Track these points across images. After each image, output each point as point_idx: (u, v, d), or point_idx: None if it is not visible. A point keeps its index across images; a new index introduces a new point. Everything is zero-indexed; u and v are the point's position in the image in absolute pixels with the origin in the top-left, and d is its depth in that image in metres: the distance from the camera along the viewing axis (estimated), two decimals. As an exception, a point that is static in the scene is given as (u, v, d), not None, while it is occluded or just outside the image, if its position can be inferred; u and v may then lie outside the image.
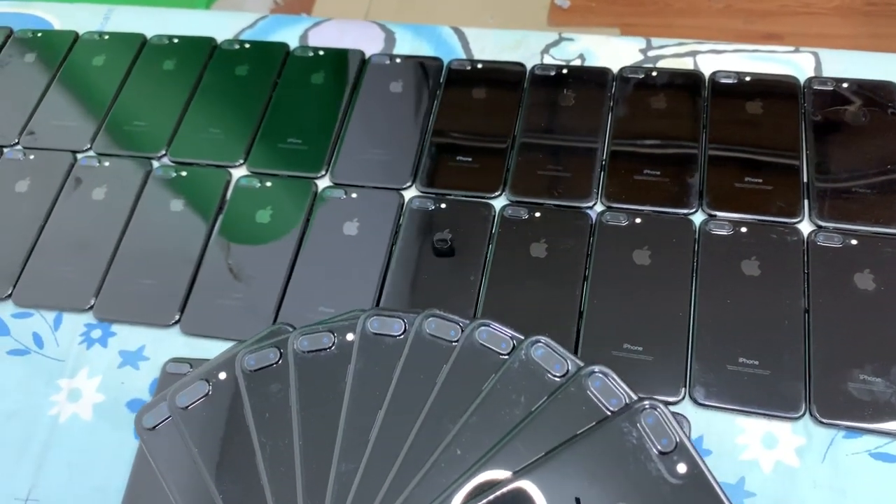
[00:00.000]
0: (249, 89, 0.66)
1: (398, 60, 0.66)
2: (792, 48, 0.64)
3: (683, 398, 0.49)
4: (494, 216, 0.57)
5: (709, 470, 0.40)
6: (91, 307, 0.57)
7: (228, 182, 0.62)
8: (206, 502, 0.43)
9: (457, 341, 0.46)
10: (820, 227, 0.54)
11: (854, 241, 0.53)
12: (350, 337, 0.47)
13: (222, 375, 0.47)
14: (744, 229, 0.54)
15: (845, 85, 0.60)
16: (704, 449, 0.48)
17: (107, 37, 0.70)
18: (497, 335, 0.46)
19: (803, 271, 0.52)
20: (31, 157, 0.64)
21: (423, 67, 0.66)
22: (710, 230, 0.54)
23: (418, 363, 0.45)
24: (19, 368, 0.55)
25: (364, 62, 0.67)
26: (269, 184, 0.61)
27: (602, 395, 0.43)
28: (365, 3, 1.66)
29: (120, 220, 0.60)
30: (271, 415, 0.45)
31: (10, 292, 0.58)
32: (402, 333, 0.46)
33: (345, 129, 0.63)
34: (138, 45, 0.70)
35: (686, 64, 0.64)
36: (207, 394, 0.46)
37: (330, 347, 0.47)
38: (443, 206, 0.58)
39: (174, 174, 0.62)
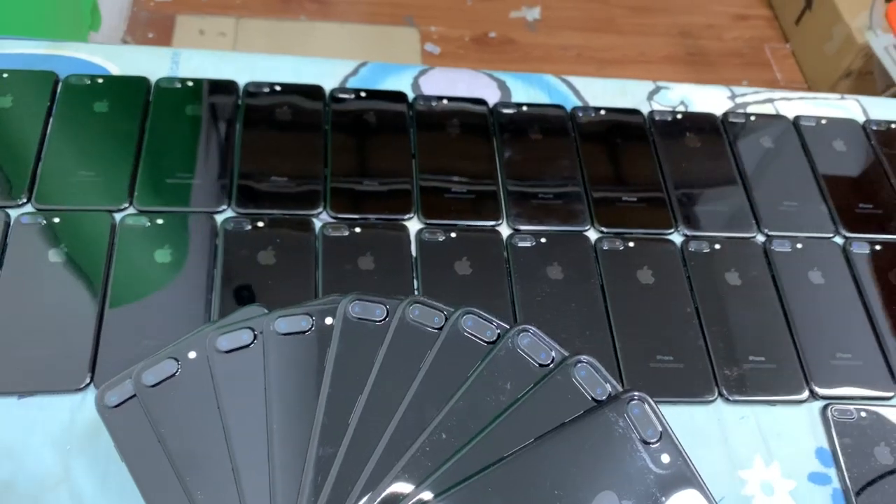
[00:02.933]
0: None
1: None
2: (839, 96, 0.77)
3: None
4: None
5: (690, 460, 0.42)
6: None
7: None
8: (171, 485, 0.41)
9: (441, 328, 0.46)
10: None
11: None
12: (329, 321, 0.45)
13: (192, 355, 0.44)
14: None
15: (893, 126, 0.74)
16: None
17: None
18: (482, 323, 0.46)
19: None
20: None
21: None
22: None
23: (402, 349, 0.45)
24: None
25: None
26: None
27: (587, 384, 0.44)
28: (230, 44, 1.60)
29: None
30: (244, 397, 0.43)
31: None
32: (385, 319, 0.46)
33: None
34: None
35: (768, 109, 0.73)
36: (176, 373, 0.44)
37: (308, 331, 0.45)
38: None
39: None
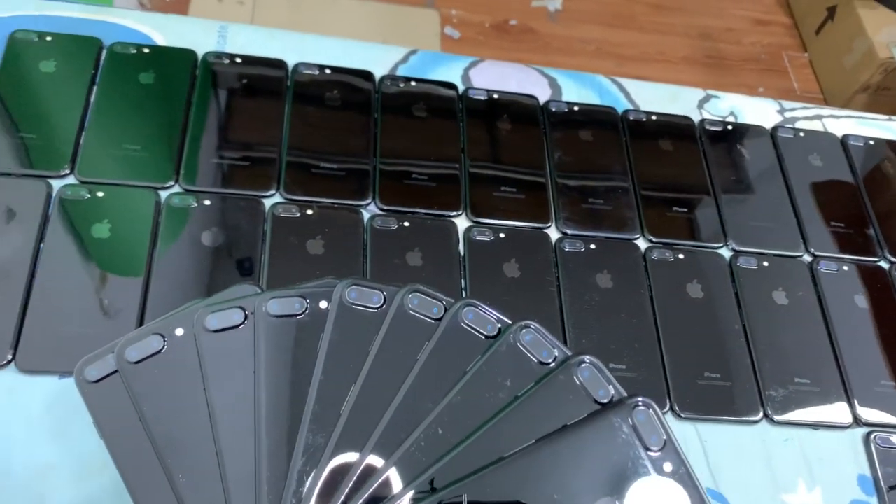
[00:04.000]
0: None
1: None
2: (886, 117, 0.76)
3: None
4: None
5: (692, 470, 0.41)
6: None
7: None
8: (152, 467, 0.40)
9: (440, 319, 0.44)
10: None
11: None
12: (324, 305, 0.44)
13: (179, 332, 0.42)
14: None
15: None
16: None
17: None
18: (483, 317, 0.44)
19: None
20: None
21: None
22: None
23: (398, 338, 0.43)
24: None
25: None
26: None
27: (590, 385, 0.42)
28: (248, 13, 1.57)
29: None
30: (232, 379, 0.41)
31: None
32: (382, 306, 0.44)
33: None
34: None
35: (816, 126, 0.73)
36: (161, 350, 0.42)
37: (302, 314, 0.43)
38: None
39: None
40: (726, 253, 0.61)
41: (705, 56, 1.79)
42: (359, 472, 0.40)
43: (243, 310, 0.43)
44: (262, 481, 0.39)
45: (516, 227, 0.59)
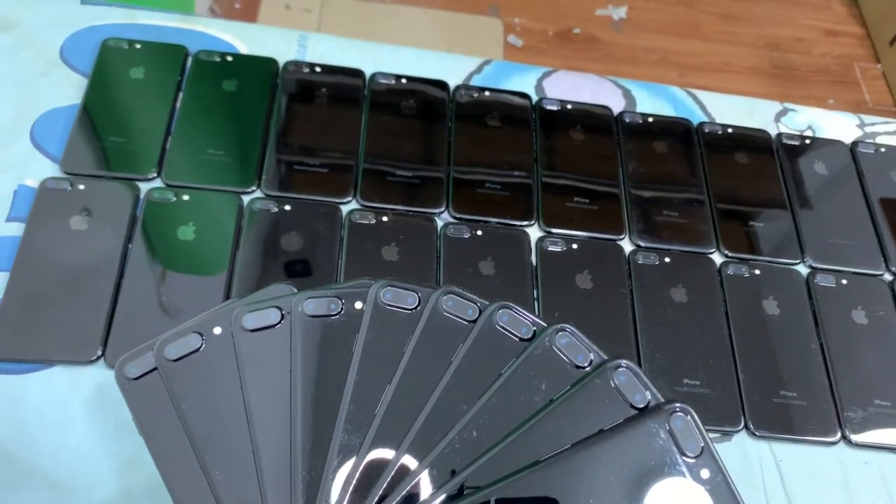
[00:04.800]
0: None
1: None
2: (966, 130, 0.74)
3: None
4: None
5: (730, 477, 0.40)
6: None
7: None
8: (190, 463, 0.40)
9: (475, 321, 0.44)
10: None
11: None
12: (359, 305, 0.44)
13: (217, 330, 0.43)
14: None
15: None
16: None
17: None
18: (518, 319, 0.44)
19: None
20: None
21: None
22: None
23: (433, 340, 0.43)
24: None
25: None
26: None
27: (626, 390, 0.42)
28: (314, 21, 1.60)
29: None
30: (268, 378, 0.42)
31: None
32: (417, 307, 0.44)
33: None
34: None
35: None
36: (200, 348, 0.42)
37: (337, 314, 0.44)
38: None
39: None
40: (803, 269, 0.60)
41: (773, 67, 1.75)
42: (393, 472, 0.40)
43: (280, 309, 0.44)
44: (297, 480, 0.40)
45: (589, 238, 0.59)
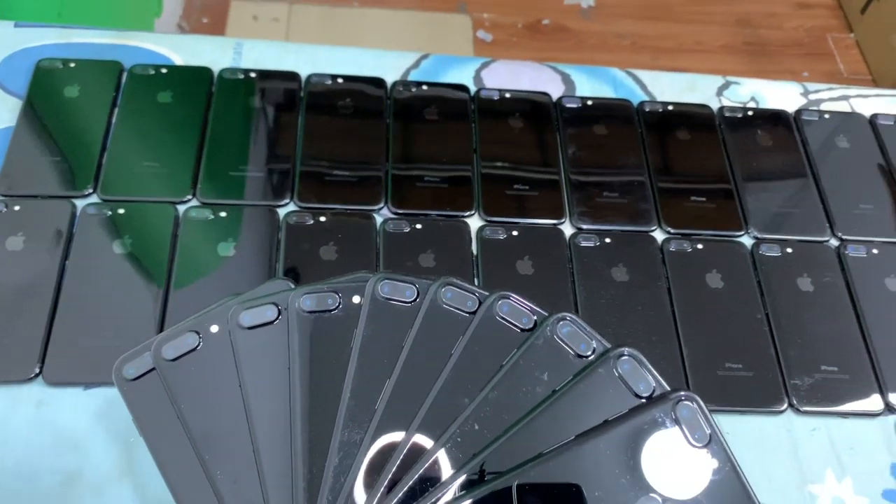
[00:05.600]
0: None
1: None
2: (914, 91, 0.73)
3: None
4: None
5: (738, 465, 0.40)
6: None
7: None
8: (190, 463, 0.40)
9: (474, 313, 0.43)
10: None
11: None
12: (357, 300, 0.44)
13: (214, 329, 0.43)
14: None
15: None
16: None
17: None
18: (518, 309, 0.43)
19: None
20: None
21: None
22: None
23: (432, 332, 0.43)
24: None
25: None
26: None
27: (630, 379, 0.41)
28: (283, 30, 1.60)
29: None
30: (266, 375, 0.42)
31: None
32: (415, 300, 0.44)
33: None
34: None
35: (843, 107, 0.70)
36: (197, 347, 0.42)
37: (335, 309, 0.43)
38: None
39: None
40: (748, 241, 0.60)
41: (745, 43, 1.75)
42: (395, 468, 0.40)
43: (276, 306, 0.43)
44: (298, 478, 0.40)
45: (529, 224, 0.59)
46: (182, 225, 0.55)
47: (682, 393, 0.41)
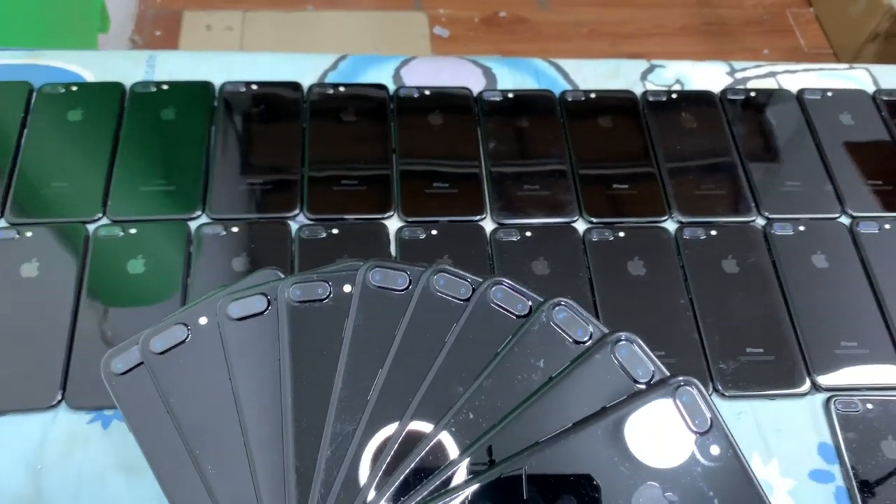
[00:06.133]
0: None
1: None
2: (847, 65, 0.72)
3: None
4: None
5: (741, 452, 0.39)
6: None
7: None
8: (180, 455, 0.40)
9: (468, 300, 0.42)
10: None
11: None
12: (348, 289, 0.43)
13: (203, 321, 0.42)
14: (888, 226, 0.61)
15: (906, 94, 0.69)
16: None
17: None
18: (513, 295, 0.42)
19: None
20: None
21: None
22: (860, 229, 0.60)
23: (425, 321, 0.42)
24: None
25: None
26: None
27: (628, 364, 0.41)
28: (237, 38, 1.59)
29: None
30: (256, 367, 0.41)
31: None
32: (407, 288, 0.43)
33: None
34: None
35: (770, 84, 0.70)
36: (185, 340, 0.42)
37: (325, 298, 0.42)
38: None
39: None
40: (672, 226, 0.59)
41: (705, 24, 1.74)
42: (389, 458, 0.39)
43: (266, 296, 0.43)
44: (290, 470, 0.39)
45: (449, 222, 0.58)
46: (92, 244, 0.54)
47: (682, 378, 0.40)
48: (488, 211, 0.58)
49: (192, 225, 0.56)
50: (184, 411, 0.40)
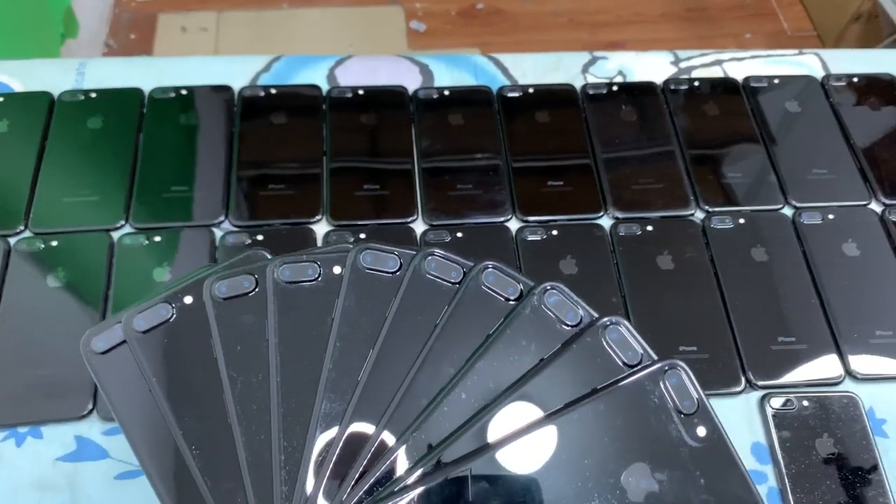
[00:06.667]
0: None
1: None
2: (796, 51, 0.71)
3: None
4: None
5: (727, 434, 0.39)
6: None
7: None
8: (163, 436, 0.38)
9: (459, 283, 0.42)
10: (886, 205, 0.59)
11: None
12: (338, 270, 0.42)
13: (188, 300, 0.41)
14: (831, 215, 0.59)
15: (856, 80, 0.67)
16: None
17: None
18: (504, 279, 0.42)
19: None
20: None
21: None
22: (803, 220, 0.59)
23: (416, 303, 0.41)
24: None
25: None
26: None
27: (619, 348, 0.40)
28: (212, 39, 1.58)
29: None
30: (244, 347, 0.40)
31: None
32: (398, 271, 0.42)
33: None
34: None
35: (715, 72, 0.68)
36: (170, 319, 0.40)
37: (315, 279, 0.42)
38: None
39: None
40: (607, 221, 0.58)
41: (685, 10, 1.72)
42: (378, 440, 0.38)
43: (254, 276, 0.42)
44: (277, 451, 0.38)
45: (378, 225, 0.57)
46: (12, 258, 0.53)
47: (670, 361, 0.40)
48: (419, 212, 0.57)
49: (115, 235, 0.55)
50: (167, 391, 0.39)
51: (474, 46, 1.64)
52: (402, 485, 0.37)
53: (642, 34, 1.67)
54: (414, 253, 0.43)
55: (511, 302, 0.42)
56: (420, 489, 0.37)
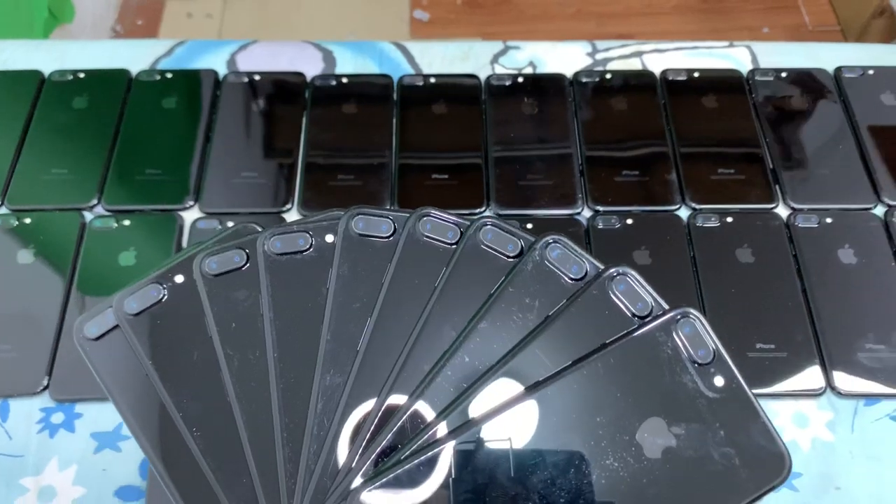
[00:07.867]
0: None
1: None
2: (727, 43, 0.66)
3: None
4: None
5: (745, 383, 0.37)
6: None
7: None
8: (162, 420, 0.38)
9: (456, 243, 0.41)
10: (794, 209, 0.55)
11: (828, 220, 0.55)
12: (330, 238, 0.41)
13: (179, 279, 0.40)
14: (729, 219, 0.55)
15: (784, 75, 0.63)
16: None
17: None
18: (503, 236, 0.40)
19: (791, 254, 0.54)
20: None
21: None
22: (698, 223, 0.55)
23: (413, 266, 0.40)
24: (-35, 473, 0.46)
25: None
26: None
27: (627, 299, 0.38)
28: (216, 24, 1.59)
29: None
30: (238, 324, 0.39)
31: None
32: (392, 235, 0.41)
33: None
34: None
35: (634, 65, 0.63)
36: (161, 299, 0.40)
37: (307, 249, 0.41)
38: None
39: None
40: (489, 213, 0.55)
41: (700, 1, 1.65)
42: (382, 408, 0.37)
43: (244, 250, 0.41)
44: (278, 427, 0.38)
45: (250, 213, 0.55)
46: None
47: (682, 310, 0.38)
48: (295, 203, 0.56)
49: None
50: (163, 373, 0.39)
51: (478, 37, 1.61)
52: (411, 450, 0.36)
53: (652, 26, 1.61)
54: (407, 215, 0.41)
55: (511, 259, 0.40)
56: (446, 448, 0.36)
